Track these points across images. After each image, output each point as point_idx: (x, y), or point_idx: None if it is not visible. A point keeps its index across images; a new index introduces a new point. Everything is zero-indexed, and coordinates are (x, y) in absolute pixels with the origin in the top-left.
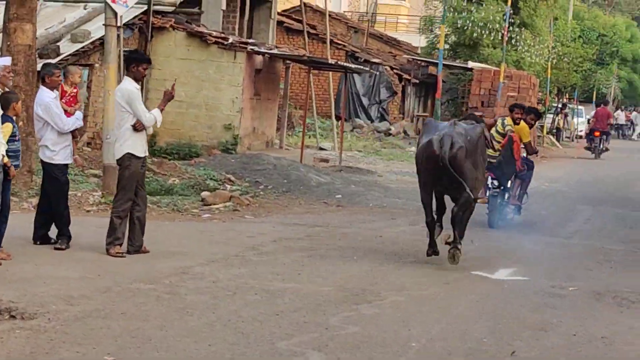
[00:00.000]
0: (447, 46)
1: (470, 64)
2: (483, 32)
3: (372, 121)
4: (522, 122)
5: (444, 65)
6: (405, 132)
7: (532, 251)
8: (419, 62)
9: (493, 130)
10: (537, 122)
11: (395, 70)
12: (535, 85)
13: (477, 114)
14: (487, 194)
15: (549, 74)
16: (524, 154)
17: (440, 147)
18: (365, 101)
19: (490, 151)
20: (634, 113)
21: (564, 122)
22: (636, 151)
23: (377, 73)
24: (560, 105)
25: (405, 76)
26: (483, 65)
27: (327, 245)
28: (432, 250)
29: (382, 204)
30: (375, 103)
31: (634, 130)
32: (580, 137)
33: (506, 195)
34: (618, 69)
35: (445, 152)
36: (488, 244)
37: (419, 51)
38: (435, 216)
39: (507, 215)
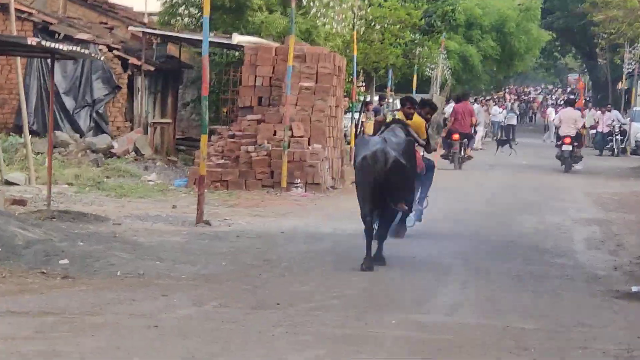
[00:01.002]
0: (195, 10)
1: (237, 38)
2: None
3: (82, 135)
4: (416, 116)
5: (188, 41)
6: (137, 150)
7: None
8: (152, 37)
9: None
10: (432, 117)
11: (116, 52)
12: (342, 68)
13: (251, 118)
14: None
15: (354, 50)
16: (422, 153)
17: (375, 162)
18: (69, 103)
19: None
20: (550, 109)
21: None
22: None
23: (100, 58)
24: (363, 100)
25: (133, 61)
26: (257, 39)
27: (72, 351)
28: (368, 264)
29: (137, 270)
30: (86, 105)
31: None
32: None
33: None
34: (446, 38)
35: (381, 167)
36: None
37: (145, 20)
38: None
39: (409, 222)
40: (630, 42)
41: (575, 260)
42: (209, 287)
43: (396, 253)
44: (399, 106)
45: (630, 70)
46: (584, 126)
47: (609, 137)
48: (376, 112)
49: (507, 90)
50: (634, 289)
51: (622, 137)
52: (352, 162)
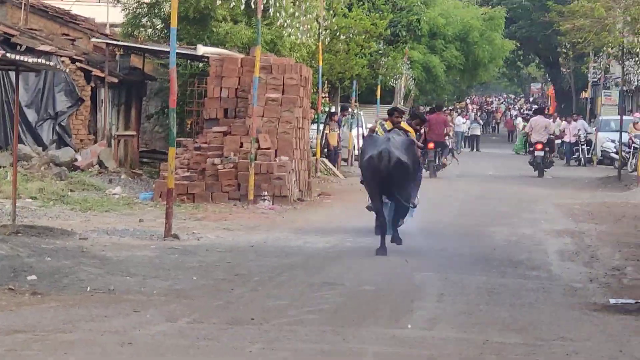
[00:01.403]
0: (158, 21)
1: (201, 50)
2: None
3: (44, 148)
4: (405, 125)
5: (152, 52)
6: (101, 163)
7: None
8: (115, 49)
9: (375, 137)
10: (422, 128)
11: (78, 64)
12: (309, 79)
13: (217, 130)
14: None
15: (319, 60)
16: None
17: (380, 161)
18: (31, 115)
19: None
20: (519, 119)
21: (337, 137)
22: (483, 161)
23: (64, 71)
24: (328, 110)
25: (96, 72)
26: (222, 50)
27: None
28: (382, 252)
29: (107, 285)
30: (49, 118)
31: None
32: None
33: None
34: (409, 48)
35: (385, 166)
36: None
37: (107, 31)
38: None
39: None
40: (595, 52)
41: (551, 273)
42: (181, 303)
43: (369, 267)
44: (363, 119)
45: (595, 79)
46: (553, 133)
47: (575, 147)
48: (338, 124)
49: (469, 100)
50: (612, 301)
51: (588, 147)
52: (358, 162)
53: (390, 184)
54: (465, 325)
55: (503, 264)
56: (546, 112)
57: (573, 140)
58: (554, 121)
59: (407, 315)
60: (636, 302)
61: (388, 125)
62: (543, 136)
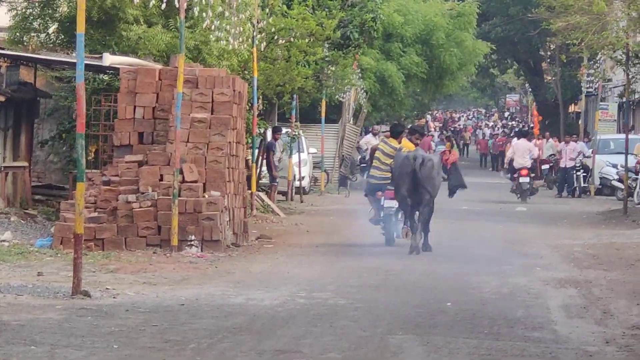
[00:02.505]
0: (53, 24)
1: (109, 59)
2: None
3: None
4: (405, 142)
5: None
6: None
7: None
8: (0, 59)
9: (378, 153)
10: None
11: None
12: (243, 95)
13: (131, 159)
14: (382, 214)
15: (254, 70)
16: None
17: (414, 160)
18: None
19: (380, 172)
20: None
21: (271, 163)
22: None
23: None
24: (263, 132)
25: None
26: (134, 60)
27: None
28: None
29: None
30: None
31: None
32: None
33: (400, 214)
34: (359, 54)
35: (418, 166)
36: None
37: None
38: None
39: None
40: (591, 56)
41: (556, 333)
42: None
43: (331, 329)
44: (304, 141)
45: (591, 89)
46: (538, 158)
47: (571, 174)
48: (269, 147)
49: (430, 116)
50: None
51: (584, 174)
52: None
53: (423, 180)
54: None
55: (496, 323)
56: (528, 134)
57: (569, 164)
58: (546, 141)
59: None
60: None
61: (392, 142)
62: (527, 161)
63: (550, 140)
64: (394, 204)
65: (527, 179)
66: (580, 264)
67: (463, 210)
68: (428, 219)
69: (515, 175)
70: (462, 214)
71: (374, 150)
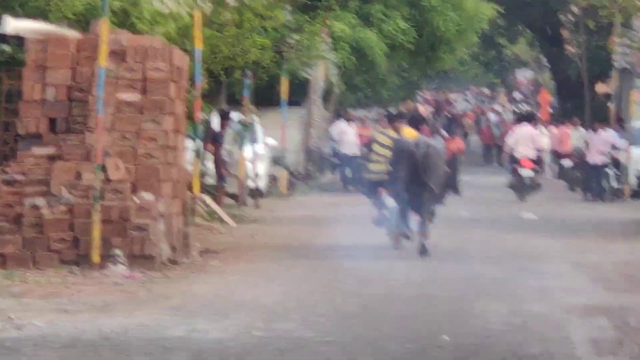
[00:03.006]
0: None
1: (11, 24)
2: None
3: None
4: (407, 130)
5: None
6: None
7: None
8: None
9: (374, 145)
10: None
11: None
12: (184, 71)
13: (40, 153)
14: (387, 213)
15: (197, 40)
16: None
17: (417, 147)
18: None
19: (378, 166)
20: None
21: (219, 158)
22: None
23: None
24: (207, 117)
25: None
26: (44, 26)
27: None
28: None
29: None
30: None
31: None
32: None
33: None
34: (333, 19)
35: (422, 152)
36: None
37: None
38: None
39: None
40: (625, 20)
41: None
42: None
43: None
44: (260, 130)
45: (627, 63)
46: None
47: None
48: (216, 138)
49: (419, 98)
50: None
51: (616, 172)
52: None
53: (425, 170)
54: None
55: None
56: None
57: (598, 160)
58: (575, 129)
59: None
60: None
61: (390, 131)
62: (530, 150)
63: (581, 128)
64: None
65: (531, 172)
66: (613, 286)
67: (461, 218)
68: (429, 215)
69: (516, 167)
70: (461, 222)
71: (369, 141)
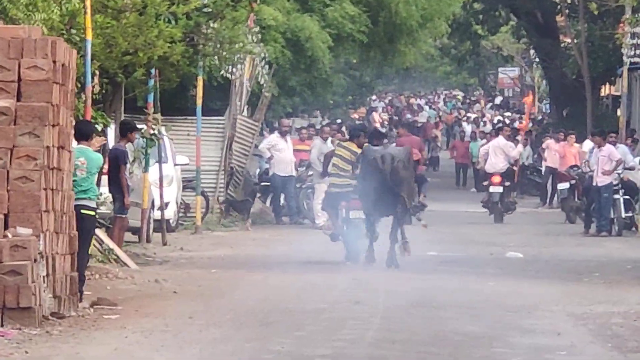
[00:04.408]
0: None
1: None
2: None
3: None
4: (350, 144)
5: None
6: None
7: None
8: None
9: (335, 160)
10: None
11: None
12: (71, 69)
13: None
14: (344, 227)
15: (87, 31)
16: None
17: (383, 162)
18: None
19: (340, 179)
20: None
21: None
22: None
23: None
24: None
25: None
26: None
27: None
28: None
29: None
30: None
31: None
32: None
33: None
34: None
35: (388, 165)
36: None
37: None
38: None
39: None
40: (637, 6)
41: None
42: None
43: None
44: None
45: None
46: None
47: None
48: (117, 156)
49: (374, 104)
50: None
51: (626, 197)
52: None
53: (393, 183)
54: None
55: None
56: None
57: (603, 181)
58: (579, 146)
59: None
60: None
61: (352, 145)
62: (501, 164)
63: (589, 142)
64: (361, 214)
65: (499, 189)
66: (623, 344)
67: (431, 258)
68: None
69: (486, 183)
70: (430, 264)
71: (329, 156)
